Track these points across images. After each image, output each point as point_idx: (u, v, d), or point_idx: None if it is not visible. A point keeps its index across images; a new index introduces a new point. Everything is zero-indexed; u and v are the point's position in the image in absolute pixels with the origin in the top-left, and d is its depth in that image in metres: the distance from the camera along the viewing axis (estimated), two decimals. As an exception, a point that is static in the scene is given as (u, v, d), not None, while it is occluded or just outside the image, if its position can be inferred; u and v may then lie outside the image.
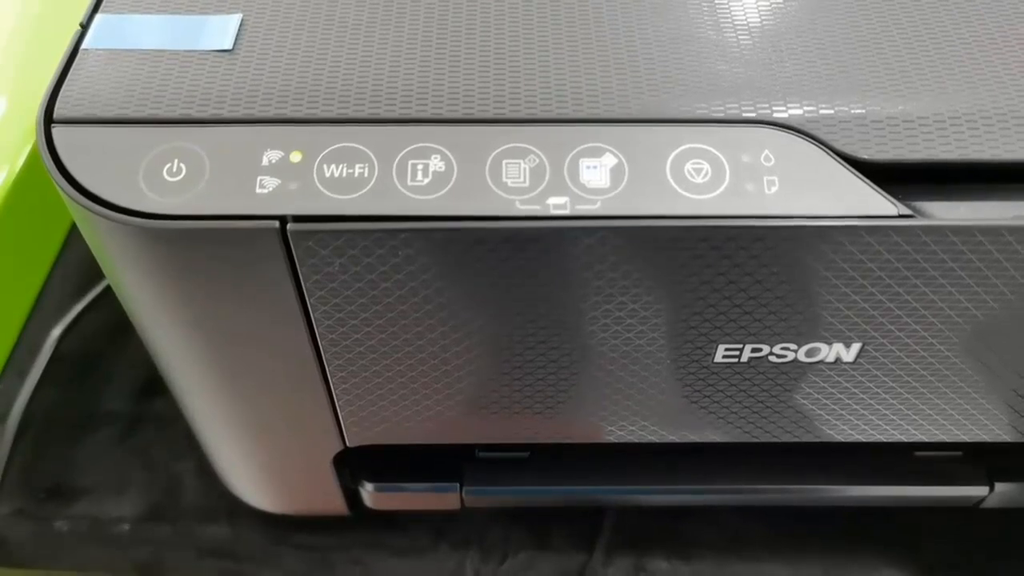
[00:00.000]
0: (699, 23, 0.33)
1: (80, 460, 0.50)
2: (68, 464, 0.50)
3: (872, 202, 0.29)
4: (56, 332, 0.54)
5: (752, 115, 0.30)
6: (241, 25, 0.33)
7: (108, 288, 0.55)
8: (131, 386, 0.53)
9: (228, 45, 0.32)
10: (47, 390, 0.53)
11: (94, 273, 0.55)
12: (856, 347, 0.33)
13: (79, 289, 0.56)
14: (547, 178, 0.29)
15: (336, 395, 0.35)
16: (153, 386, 0.51)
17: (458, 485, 0.43)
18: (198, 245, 0.29)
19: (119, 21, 0.33)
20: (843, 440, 0.38)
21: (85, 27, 0.33)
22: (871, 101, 0.31)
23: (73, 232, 0.57)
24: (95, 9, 0.33)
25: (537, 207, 0.28)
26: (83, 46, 0.32)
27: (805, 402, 0.36)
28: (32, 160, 0.51)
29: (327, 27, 0.33)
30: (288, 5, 0.33)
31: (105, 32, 0.32)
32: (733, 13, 0.34)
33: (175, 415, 0.44)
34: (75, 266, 0.56)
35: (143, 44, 0.32)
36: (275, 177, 0.29)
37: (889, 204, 0.29)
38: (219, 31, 0.32)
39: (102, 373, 0.53)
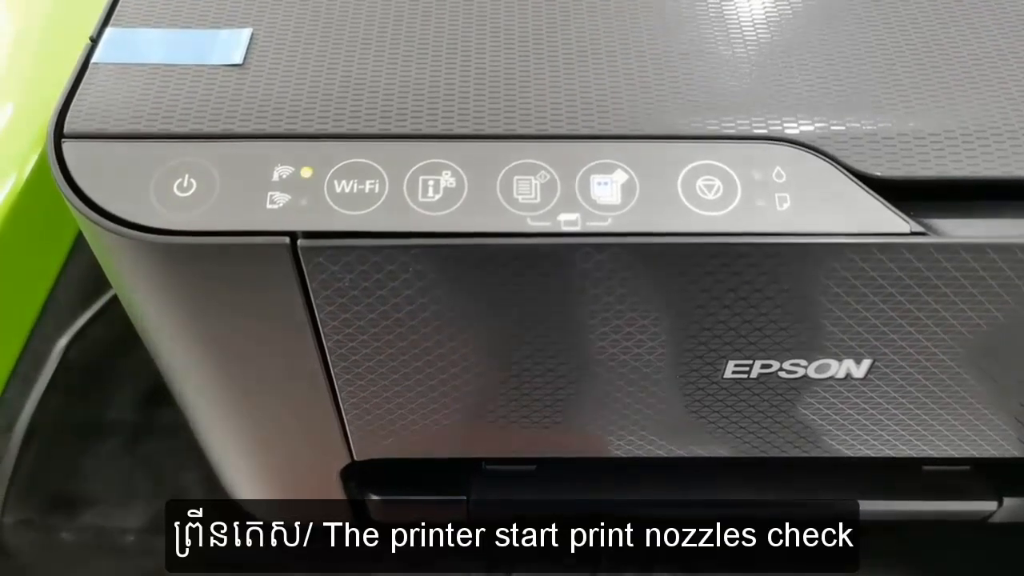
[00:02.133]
0: (710, 39, 0.33)
1: (86, 470, 0.50)
2: (74, 474, 0.50)
3: (884, 219, 0.29)
4: (62, 341, 0.54)
5: (763, 131, 0.30)
6: (252, 40, 0.33)
7: (114, 297, 0.55)
8: (137, 396, 0.53)
9: (239, 60, 0.32)
10: (53, 399, 0.52)
11: (100, 282, 0.55)
12: (867, 363, 0.33)
13: (85, 298, 0.56)
14: (558, 194, 0.29)
15: (344, 409, 0.35)
16: (159, 395, 0.51)
17: (464, 498, 0.43)
18: (208, 260, 0.29)
19: (129, 35, 0.33)
20: (852, 455, 0.38)
21: (95, 41, 0.33)
22: (883, 118, 0.31)
23: (80, 241, 0.57)
24: (105, 23, 0.33)
25: (548, 224, 0.28)
26: (93, 60, 0.32)
27: (814, 418, 0.36)
28: (39, 168, 0.51)
29: (337, 42, 0.33)
30: (299, 20, 0.33)
31: (115, 46, 0.32)
32: (744, 29, 0.33)
33: (181, 425, 0.44)
34: (81, 275, 0.56)
35: (153, 58, 0.32)
36: (285, 193, 0.29)
37: (901, 221, 0.29)
38: (230, 46, 0.32)
39: (108, 382, 0.53)
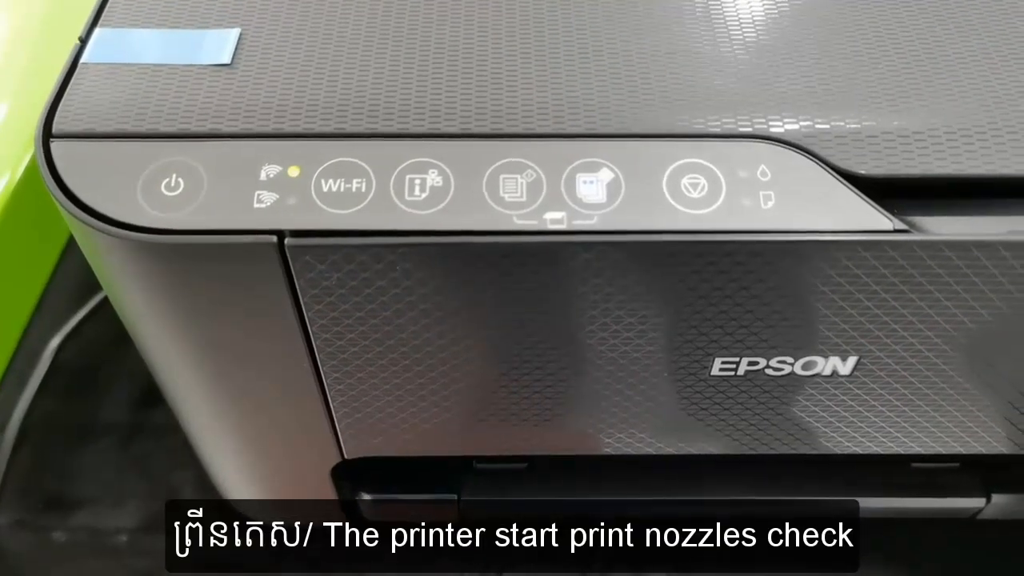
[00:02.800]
0: (696, 37, 0.33)
1: (79, 470, 0.50)
2: (67, 474, 0.50)
3: (868, 217, 0.29)
4: (55, 342, 0.54)
5: (748, 130, 0.30)
6: (240, 39, 0.33)
7: (107, 298, 0.55)
8: (130, 396, 0.53)
9: (227, 59, 0.32)
10: (46, 400, 0.53)
11: (93, 282, 0.55)
12: (852, 360, 0.33)
13: (78, 298, 0.56)
14: (544, 193, 0.29)
15: (334, 408, 0.35)
16: (152, 396, 0.51)
17: (456, 496, 0.43)
18: (196, 260, 0.29)
19: (118, 35, 0.33)
20: (840, 452, 0.38)
21: (84, 41, 0.33)
22: (867, 116, 0.31)
23: (72, 241, 0.57)
24: (94, 23, 0.34)
25: (534, 222, 0.29)
26: (82, 60, 0.32)
27: (802, 415, 0.36)
28: (32, 168, 0.51)
29: (325, 41, 0.33)
30: (287, 19, 0.34)
31: (104, 46, 0.33)
32: (729, 27, 0.34)
33: (174, 425, 0.44)
34: (74, 275, 0.56)
35: (142, 58, 0.32)
36: (273, 192, 0.29)
37: (885, 219, 0.29)
38: (218, 45, 0.32)
39: (101, 383, 0.53)
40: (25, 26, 0.55)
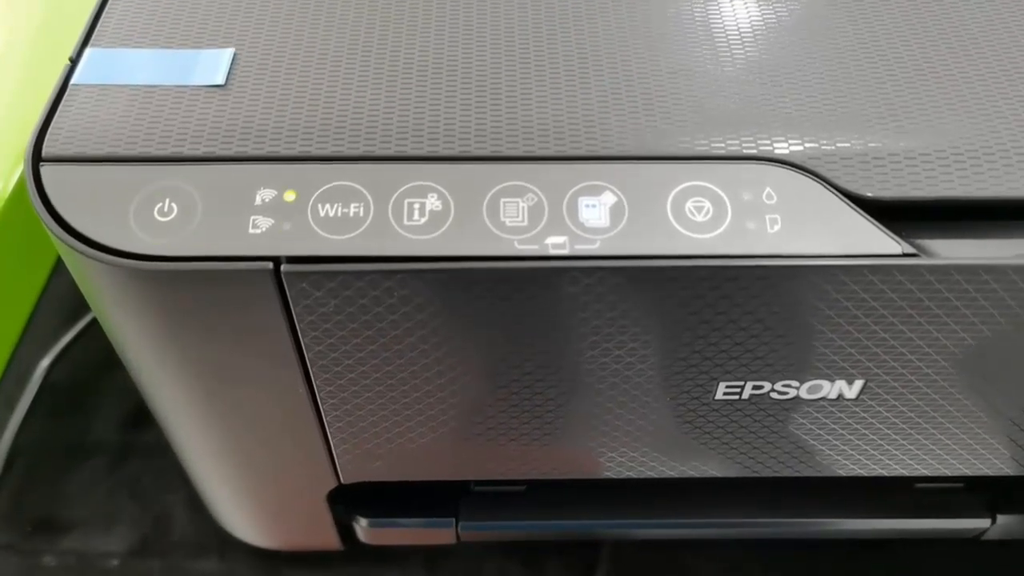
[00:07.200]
0: (699, 57, 0.33)
1: (69, 493, 0.49)
2: (56, 497, 0.49)
3: (876, 241, 0.28)
4: (45, 362, 0.54)
5: (753, 152, 0.30)
6: (234, 60, 0.32)
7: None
8: (120, 417, 0.52)
9: (220, 80, 0.31)
10: (35, 421, 0.52)
11: (83, 302, 0.54)
12: (859, 384, 0.33)
13: (68, 318, 0.55)
14: (546, 217, 0.28)
15: (330, 433, 0.35)
16: (143, 417, 0.51)
17: (453, 520, 0.42)
18: (190, 286, 0.28)
19: (110, 55, 0.32)
20: (845, 475, 0.38)
21: (75, 61, 0.32)
22: (874, 137, 0.30)
23: (62, 260, 0.56)
24: (85, 42, 0.33)
25: (535, 247, 0.28)
26: (72, 81, 0.31)
27: (807, 438, 0.36)
28: (20, 187, 0.51)
29: (321, 62, 0.32)
30: (282, 40, 0.33)
31: (95, 67, 0.32)
32: (733, 47, 0.33)
33: (165, 446, 0.43)
34: (64, 295, 0.55)
35: (134, 79, 0.31)
36: (268, 217, 0.28)
37: (893, 243, 0.28)
38: (211, 66, 0.32)
39: (91, 404, 0.52)
40: (16, 39, 0.54)
